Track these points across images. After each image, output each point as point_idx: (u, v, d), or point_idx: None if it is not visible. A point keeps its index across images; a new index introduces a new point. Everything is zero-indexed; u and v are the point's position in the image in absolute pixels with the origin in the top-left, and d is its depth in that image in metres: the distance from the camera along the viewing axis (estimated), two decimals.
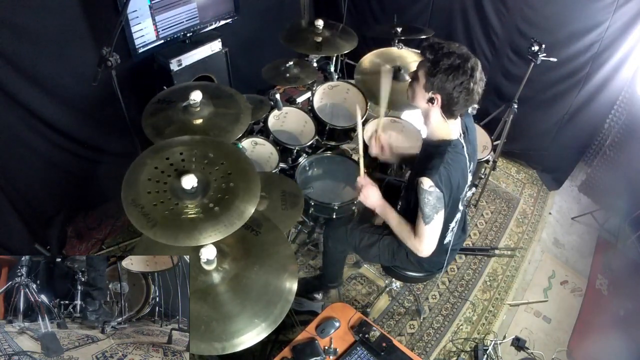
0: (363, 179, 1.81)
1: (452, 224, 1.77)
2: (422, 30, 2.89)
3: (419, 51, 1.57)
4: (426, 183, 1.52)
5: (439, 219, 1.59)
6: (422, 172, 1.54)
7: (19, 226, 2.22)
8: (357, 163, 1.95)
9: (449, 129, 1.60)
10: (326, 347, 1.64)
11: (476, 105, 2.91)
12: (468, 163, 1.64)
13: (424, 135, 1.75)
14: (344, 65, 3.55)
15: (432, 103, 1.54)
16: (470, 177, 1.72)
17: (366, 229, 1.98)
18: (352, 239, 1.98)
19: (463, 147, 1.61)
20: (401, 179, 2.23)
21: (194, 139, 1.50)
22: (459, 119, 1.62)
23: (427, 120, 1.63)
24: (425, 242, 1.64)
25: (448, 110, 1.55)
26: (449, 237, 1.81)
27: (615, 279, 2.76)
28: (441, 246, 1.82)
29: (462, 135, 1.64)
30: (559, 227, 3.10)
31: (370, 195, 1.78)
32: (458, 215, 1.78)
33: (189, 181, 1.28)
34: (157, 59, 2.52)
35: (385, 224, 1.92)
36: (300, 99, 2.92)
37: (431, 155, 1.59)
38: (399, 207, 1.85)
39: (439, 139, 1.62)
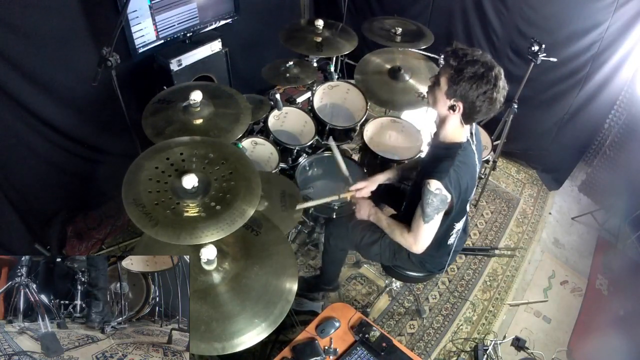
0: (355, 197, 1.92)
1: (458, 226, 1.77)
2: (422, 33, 2.88)
3: (442, 56, 1.55)
4: (433, 185, 1.51)
5: (438, 219, 1.60)
6: (432, 174, 1.53)
7: (19, 226, 2.22)
8: (348, 180, 2.03)
9: (461, 134, 1.60)
10: (326, 347, 1.64)
11: None
12: (478, 167, 1.64)
13: (427, 137, 1.75)
14: (344, 65, 3.55)
15: (454, 110, 1.52)
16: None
17: (368, 227, 1.98)
18: (354, 237, 1.99)
19: (473, 150, 1.61)
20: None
21: (194, 139, 1.51)
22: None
23: (443, 124, 1.61)
24: (420, 239, 1.65)
25: (469, 118, 1.54)
26: (453, 239, 1.81)
27: (615, 279, 2.76)
28: (445, 247, 1.82)
29: (471, 136, 1.63)
30: (559, 227, 3.10)
31: (362, 209, 1.87)
32: (464, 217, 1.78)
33: (190, 181, 1.28)
34: (157, 59, 2.51)
35: None
36: (300, 99, 2.92)
37: (440, 157, 1.58)
38: (403, 207, 1.85)
39: (450, 141, 1.61)
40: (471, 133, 1.64)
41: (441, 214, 1.59)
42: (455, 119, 1.56)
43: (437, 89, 1.55)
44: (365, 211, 1.87)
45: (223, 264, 1.39)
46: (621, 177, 2.89)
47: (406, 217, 1.74)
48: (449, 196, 1.53)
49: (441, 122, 1.62)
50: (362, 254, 2.19)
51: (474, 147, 1.62)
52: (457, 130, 1.59)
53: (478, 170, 1.68)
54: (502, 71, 1.48)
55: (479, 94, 1.45)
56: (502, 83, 1.47)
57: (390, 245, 1.92)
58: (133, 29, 2.27)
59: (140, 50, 2.37)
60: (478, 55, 1.47)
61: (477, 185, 2.90)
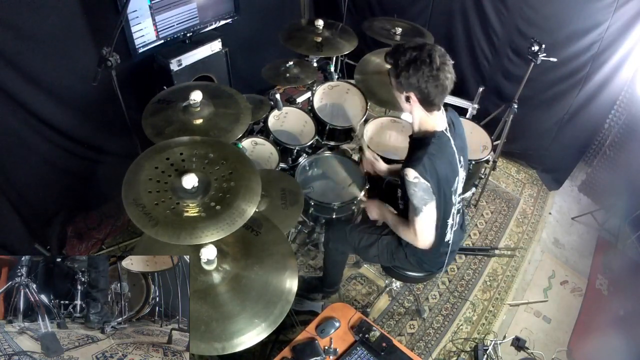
0: (365, 201, 2.04)
1: (450, 221, 1.78)
2: (421, 34, 2.88)
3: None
4: (410, 174, 1.55)
5: (428, 210, 1.61)
6: (407, 164, 1.58)
7: (19, 226, 2.22)
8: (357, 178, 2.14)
9: (433, 122, 1.63)
10: (326, 347, 1.64)
11: (476, 106, 2.95)
12: (456, 156, 1.66)
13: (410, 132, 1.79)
14: (344, 65, 3.55)
15: (410, 102, 1.59)
16: (462, 172, 1.74)
17: (365, 230, 2.00)
18: (352, 240, 2.00)
19: (449, 139, 1.63)
20: None
21: (194, 139, 1.51)
22: (442, 112, 1.65)
23: (413, 118, 1.68)
24: (419, 234, 1.67)
25: (426, 103, 1.57)
26: (449, 235, 1.81)
27: (615, 279, 2.76)
28: (442, 245, 1.82)
29: (448, 128, 1.66)
30: (559, 227, 3.11)
31: (373, 210, 1.97)
32: (454, 211, 1.78)
33: (190, 181, 1.28)
34: (157, 59, 2.51)
35: (385, 224, 1.93)
36: (300, 99, 2.92)
37: (416, 147, 1.63)
38: (401, 205, 1.86)
39: (424, 131, 1.65)
40: (449, 124, 1.67)
41: (431, 205, 1.61)
42: (417, 109, 1.60)
43: (393, 89, 1.63)
44: (377, 213, 1.95)
45: (223, 264, 1.39)
46: (621, 177, 2.89)
47: (403, 214, 1.77)
48: (428, 184, 1.56)
49: (412, 117, 1.68)
50: (361, 256, 2.19)
51: (449, 136, 1.64)
52: (426, 120, 1.63)
53: (461, 160, 1.70)
54: (437, 48, 1.52)
55: (419, 77, 1.50)
56: (440, 59, 1.50)
57: (387, 246, 1.92)
58: (133, 29, 2.27)
59: (140, 50, 2.37)
60: (409, 44, 1.53)
61: (477, 185, 2.91)
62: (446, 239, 1.80)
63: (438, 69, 1.49)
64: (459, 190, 1.76)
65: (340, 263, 2.23)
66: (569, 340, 2.43)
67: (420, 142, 1.62)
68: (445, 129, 1.64)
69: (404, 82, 1.54)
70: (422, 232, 1.67)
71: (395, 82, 1.59)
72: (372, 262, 2.51)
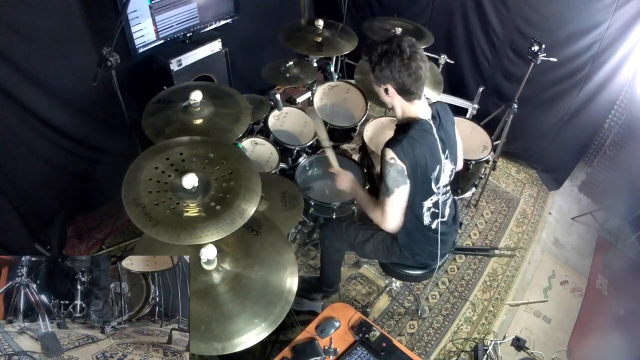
0: (337, 169, 2.00)
1: (427, 204, 1.77)
2: (422, 34, 2.88)
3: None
4: (388, 154, 1.60)
5: (400, 193, 1.66)
6: (387, 144, 1.62)
7: (19, 226, 2.22)
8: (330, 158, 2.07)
9: (416, 110, 1.68)
10: (326, 347, 1.64)
11: (476, 106, 2.95)
12: (439, 144, 1.68)
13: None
14: (344, 65, 3.56)
15: (388, 93, 1.65)
16: (449, 164, 1.76)
17: (361, 226, 2.00)
18: (348, 236, 2.00)
19: (431, 127, 1.67)
20: None
21: (194, 139, 1.51)
22: (424, 102, 1.70)
23: (395, 109, 1.72)
24: (387, 215, 1.73)
25: (404, 92, 1.62)
26: (427, 220, 1.81)
27: (615, 279, 2.76)
28: (427, 232, 1.83)
29: (434, 119, 1.70)
30: (559, 227, 3.11)
31: (343, 180, 1.96)
32: (439, 201, 1.78)
33: (190, 180, 1.28)
34: (157, 59, 2.51)
35: None
36: (300, 99, 2.92)
37: (398, 132, 1.69)
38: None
39: (407, 118, 1.69)
40: (434, 116, 1.70)
41: (403, 189, 1.65)
42: (397, 100, 1.66)
43: (373, 85, 1.70)
44: (346, 183, 1.95)
45: (223, 264, 1.39)
46: (621, 177, 2.89)
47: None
48: (403, 166, 1.60)
49: (393, 109, 1.73)
50: (358, 253, 2.19)
51: (432, 124, 1.67)
52: (408, 109, 1.68)
53: (446, 152, 1.73)
54: (406, 38, 1.58)
55: (392, 68, 1.57)
56: (410, 49, 1.56)
57: (383, 241, 1.93)
58: (133, 29, 2.27)
59: (140, 50, 2.37)
60: (380, 38, 1.61)
61: (477, 185, 2.91)
62: (425, 223, 1.81)
63: (409, 57, 1.54)
64: (444, 180, 1.77)
65: (336, 261, 2.24)
66: (569, 340, 2.43)
67: (403, 128, 1.67)
68: (429, 119, 1.68)
69: (379, 75, 1.61)
70: (390, 213, 1.72)
71: (372, 77, 1.66)
72: (369, 258, 2.51)
